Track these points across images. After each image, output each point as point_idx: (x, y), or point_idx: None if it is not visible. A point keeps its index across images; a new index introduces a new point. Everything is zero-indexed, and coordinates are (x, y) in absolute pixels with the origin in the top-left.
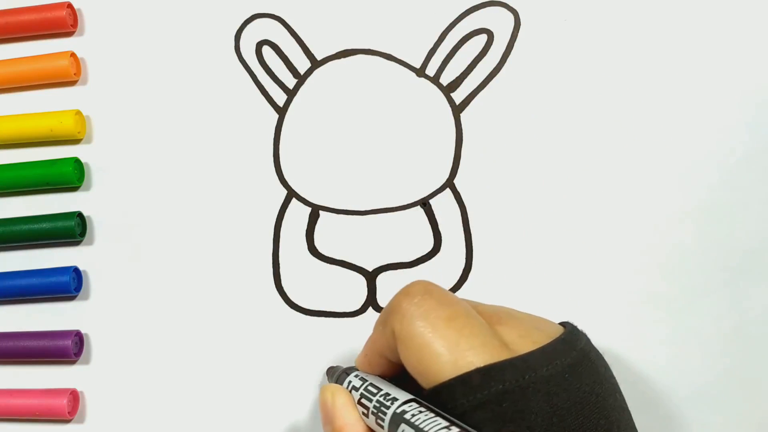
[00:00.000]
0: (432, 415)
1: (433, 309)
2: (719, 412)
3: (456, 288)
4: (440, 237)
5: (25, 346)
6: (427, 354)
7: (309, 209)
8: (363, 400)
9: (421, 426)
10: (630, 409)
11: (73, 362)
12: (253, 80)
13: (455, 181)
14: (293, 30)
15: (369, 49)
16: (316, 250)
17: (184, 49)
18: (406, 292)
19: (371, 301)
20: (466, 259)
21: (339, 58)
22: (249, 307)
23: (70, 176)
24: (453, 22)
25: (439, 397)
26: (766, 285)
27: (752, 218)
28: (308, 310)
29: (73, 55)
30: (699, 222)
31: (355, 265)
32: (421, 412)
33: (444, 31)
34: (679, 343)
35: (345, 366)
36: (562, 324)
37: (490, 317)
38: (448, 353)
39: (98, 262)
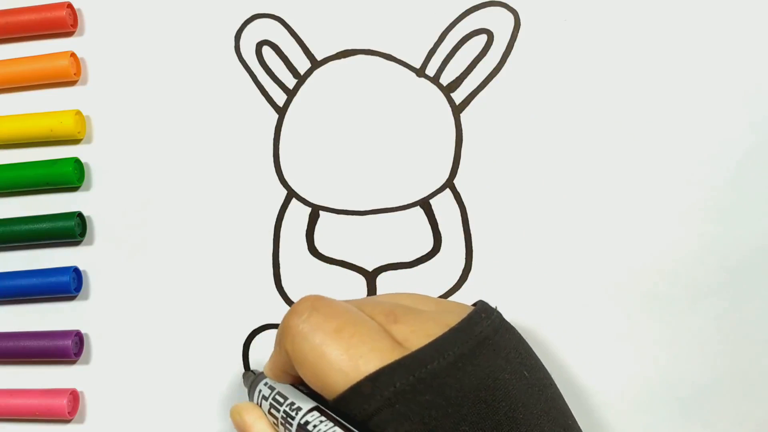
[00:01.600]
0: (332, 424)
1: (320, 324)
2: (719, 412)
3: (456, 288)
4: (440, 237)
5: (25, 346)
6: (320, 369)
7: (309, 209)
8: (272, 410)
9: None
10: (630, 408)
11: (73, 362)
12: (253, 80)
13: (455, 181)
14: (293, 30)
15: (369, 50)
16: (316, 250)
17: (184, 49)
18: (294, 310)
19: None
20: (466, 259)
21: (339, 58)
22: (249, 307)
23: (70, 176)
24: (453, 22)
25: (338, 408)
26: (766, 285)
27: (753, 218)
28: None
29: (73, 55)
30: (699, 222)
31: (355, 265)
32: (321, 422)
33: (444, 31)
34: (679, 344)
35: (258, 372)
36: (474, 304)
37: (384, 316)
38: (339, 365)
39: (98, 262)
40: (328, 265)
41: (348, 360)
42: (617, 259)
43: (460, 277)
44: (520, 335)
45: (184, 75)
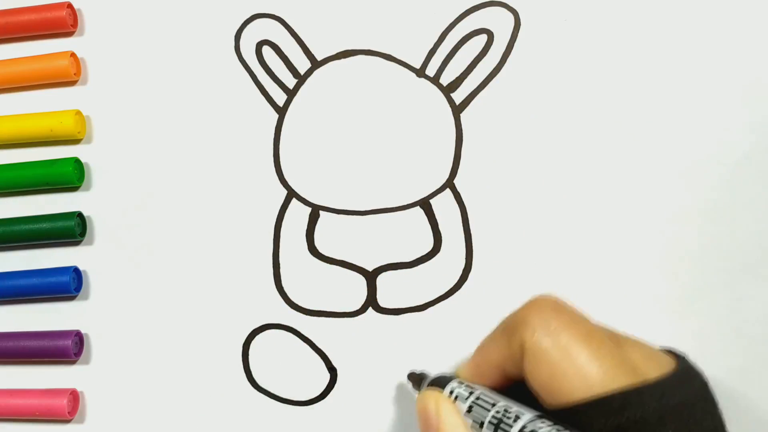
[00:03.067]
0: None
1: (567, 325)
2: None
3: (456, 288)
4: (440, 237)
5: (25, 346)
6: (560, 372)
7: (309, 209)
8: (475, 411)
9: None
10: None
11: (73, 362)
12: (253, 80)
13: (455, 181)
14: (293, 30)
15: (369, 50)
16: (316, 250)
17: (184, 49)
18: (536, 305)
19: (371, 301)
20: (466, 259)
21: (339, 58)
22: (249, 307)
23: (70, 176)
24: (453, 22)
25: (571, 418)
26: (766, 285)
27: (753, 218)
28: (308, 310)
29: (73, 55)
30: (699, 222)
31: (355, 265)
32: (558, 430)
33: (444, 31)
34: (680, 344)
35: (430, 372)
36: (666, 351)
37: (612, 338)
38: (585, 373)
39: (98, 262)
40: (328, 265)
41: (597, 369)
42: (617, 259)
43: (460, 277)
44: None
45: (184, 75)
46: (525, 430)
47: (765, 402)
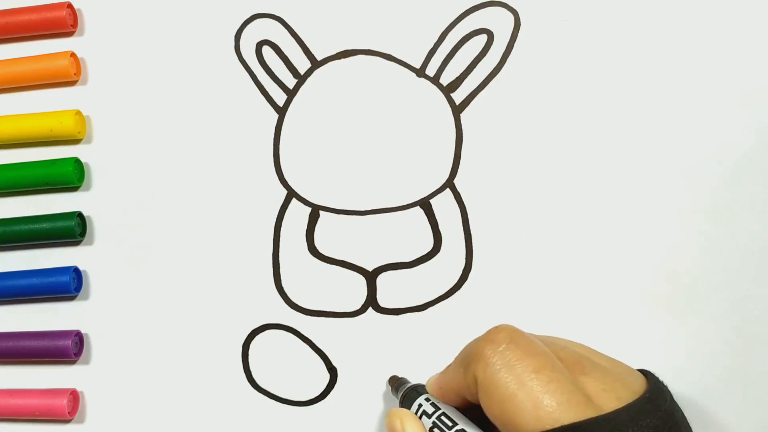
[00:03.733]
0: None
1: (518, 359)
2: (720, 412)
3: (456, 288)
4: (440, 237)
5: (25, 346)
6: (511, 406)
7: (309, 209)
8: (435, 430)
9: None
10: None
11: (73, 362)
12: (253, 80)
13: (455, 181)
14: (293, 30)
15: (369, 50)
16: (316, 250)
17: (184, 49)
18: (490, 338)
19: (371, 301)
20: (466, 259)
21: (339, 58)
22: (249, 307)
23: (70, 176)
24: (453, 22)
25: None
26: (766, 285)
27: (753, 218)
28: (308, 310)
29: (73, 55)
30: (699, 222)
31: (355, 265)
32: None
33: (444, 31)
34: (680, 344)
35: (411, 382)
36: (642, 372)
37: (573, 365)
38: (534, 408)
39: (98, 262)
40: (328, 265)
41: (545, 404)
42: (617, 260)
43: (460, 277)
44: (683, 414)
45: (184, 75)
46: None
47: (765, 402)
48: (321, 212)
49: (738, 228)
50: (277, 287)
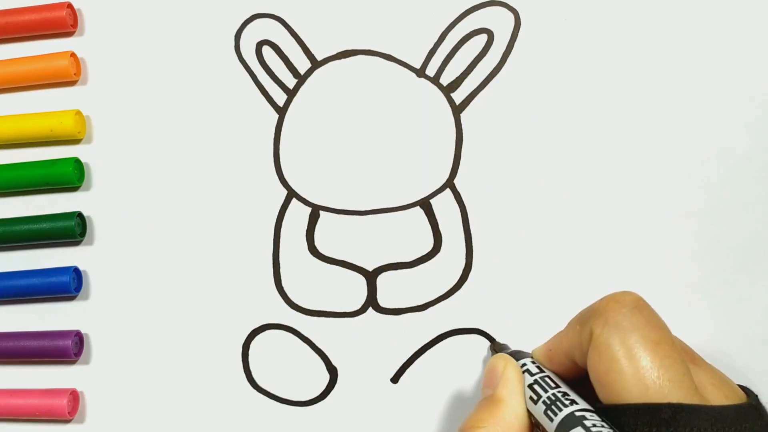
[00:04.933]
0: (609, 430)
1: (641, 326)
2: None
3: (456, 288)
4: (440, 237)
5: (25, 346)
6: (619, 369)
7: (309, 209)
8: (536, 387)
9: None
10: None
11: (73, 362)
12: (253, 80)
13: (455, 181)
14: (293, 30)
15: (369, 50)
16: (316, 250)
17: (184, 49)
18: (616, 299)
19: (371, 301)
20: (466, 259)
21: (339, 58)
22: (249, 307)
23: (70, 176)
24: (453, 22)
25: (618, 416)
26: (765, 285)
27: (752, 218)
28: (308, 310)
29: (73, 55)
30: (699, 222)
31: (355, 265)
32: (603, 426)
33: (444, 31)
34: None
35: (515, 349)
36: (742, 387)
37: (687, 353)
38: (643, 377)
39: (98, 262)
40: (328, 265)
41: (656, 377)
42: (617, 259)
43: (460, 277)
44: None
45: (184, 75)
46: (572, 416)
47: (765, 402)
48: (321, 212)
49: (737, 228)
50: (277, 287)
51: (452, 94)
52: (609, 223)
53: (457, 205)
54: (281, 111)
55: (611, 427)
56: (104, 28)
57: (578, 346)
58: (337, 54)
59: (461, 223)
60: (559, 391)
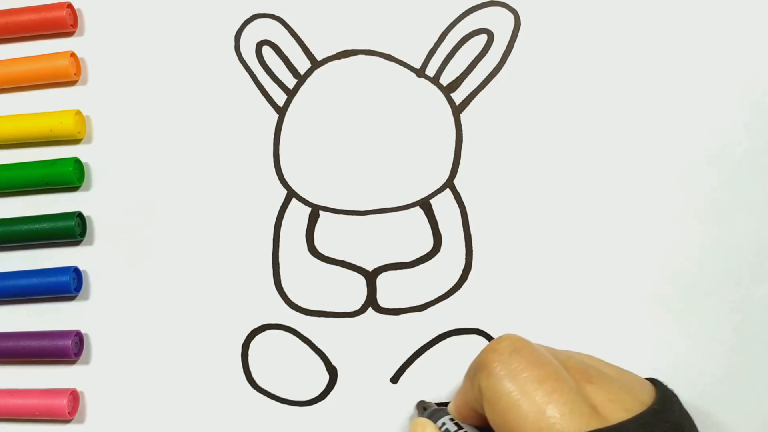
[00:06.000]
0: None
1: (522, 369)
2: (721, 412)
3: (456, 288)
4: (440, 237)
5: (25, 346)
6: (514, 417)
7: (309, 209)
8: None
9: None
10: None
11: (73, 362)
12: (253, 80)
13: (455, 181)
14: (293, 30)
15: (369, 50)
16: (316, 250)
17: (184, 49)
18: (493, 348)
19: (371, 301)
20: (466, 259)
21: (339, 58)
22: (249, 307)
23: (70, 176)
24: (453, 22)
25: None
26: (766, 285)
27: (753, 218)
28: (308, 310)
29: (73, 55)
30: (700, 222)
31: (355, 265)
32: None
33: (444, 31)
34: (680, 344)
35: (436, 404)
36: (651, 380)
37: (579, 374)
38: (536, 419)
39: (98, 262)
40: (328, 265)
41: (547, 417)
42: (617, 260)
43: (460, 277)
44: (693, 422)
45: (184, 75)
46: None
47: (765, 402)
48: (321, 212)
49: (738, 228)
50: (277, 287)
51: (452, 94)
52: (609, 223)
53: (457, 205)
54: (281, 111)
55: None
56: (104, 28)
57: (475, 400)
58: (337, 54)
59: (461, 223)
60: None
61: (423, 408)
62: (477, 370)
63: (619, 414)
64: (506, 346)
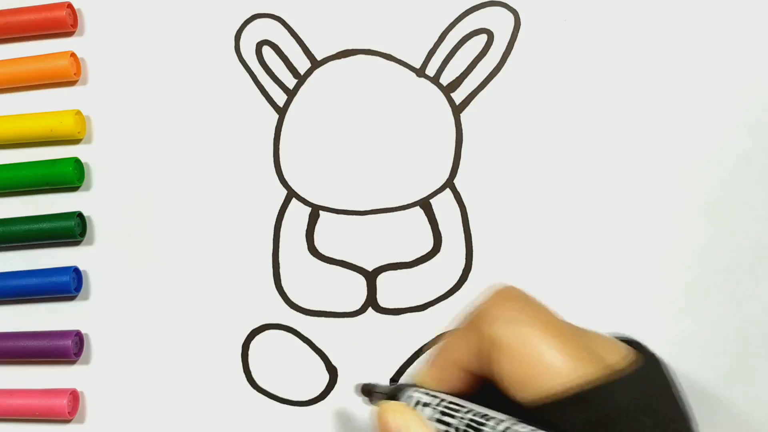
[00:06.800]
0: None
1: (539, 315)
2: (720, 412)
3: (456, 288)
4: (440, 237)
5: (25, 346)
6: (529, 363)
7: (309, 209)
8: (447, 420)
9: None
10: None
11: (73, 362)
12: (253, 80)
13: (455, 181)
14: (293, 30)
15: (369, 50)
16: (316, 250)
17: (184, 49)
18: (500, 297)
19: (371, 301)
20: (466, 259)
21: (339, 58)
22: (249, 307)
23: (70, 176)
24: (453, 22)
25: (547, 412)
26: (766, 285)
27: (753, 218)
28: (308, 310)
29: (73, 55)
30: (700, 222)
31: (355, 265)
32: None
33: (444, 31)
34: (680, 344)
35: (388, 386)
36: (619, 338)
37: (571, 328)
38: (552, 364)
39: (98, 262)
40: (328, 265)
41: (564, 360)
42: (618, 259)
43: (460, 277)
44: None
45: (184, 75)
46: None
47: (765, 402)
48: (321, 212)
49: (737, 228)
50: (277, 287)
51: (452, 94)
52: (609, 223)
53: (457, 205)
54: (281, 111)
55: (547, 430)
56: (104, 28)
57: (476, 354)
58: (336, 54)
59: (461, 223)
60: (476, 414)
61: (369, 392)
62: (484, 320)
63: (620, 360)
64: (514, 294)
